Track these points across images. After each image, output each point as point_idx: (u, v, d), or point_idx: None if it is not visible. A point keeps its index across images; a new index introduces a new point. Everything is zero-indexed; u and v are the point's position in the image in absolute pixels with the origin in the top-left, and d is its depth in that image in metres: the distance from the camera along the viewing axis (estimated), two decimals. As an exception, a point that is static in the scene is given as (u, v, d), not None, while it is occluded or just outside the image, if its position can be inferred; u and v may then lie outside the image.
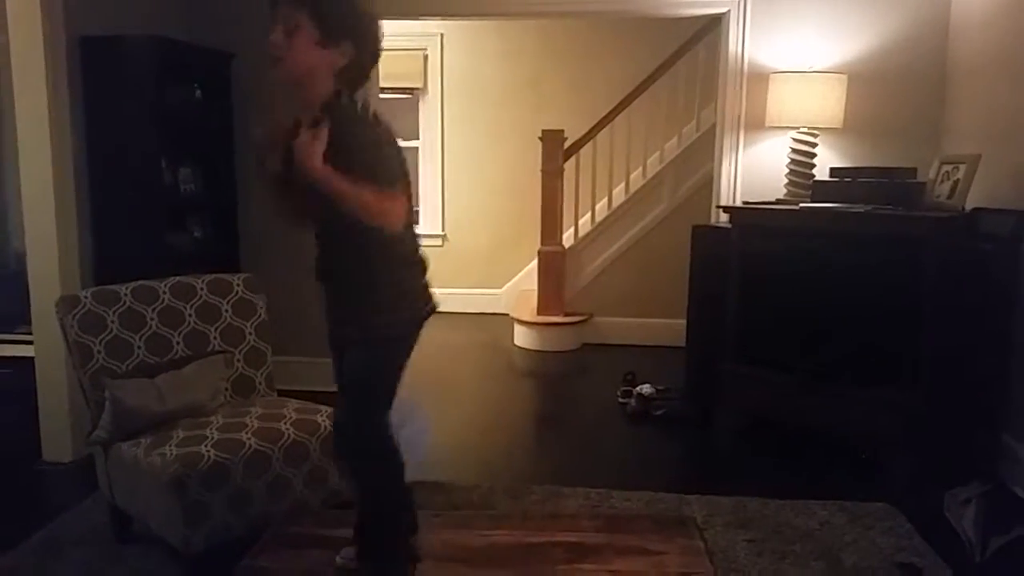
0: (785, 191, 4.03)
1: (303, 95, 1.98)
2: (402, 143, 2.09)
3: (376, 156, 1.93)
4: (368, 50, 1.99)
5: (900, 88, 4.12)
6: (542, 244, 5.84)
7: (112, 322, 2.76)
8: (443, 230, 6.98)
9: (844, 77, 4.00)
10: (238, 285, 3.08)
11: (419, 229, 2.20)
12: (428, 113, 6.94)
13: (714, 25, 5.00)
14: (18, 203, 3.51)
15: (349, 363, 2.10)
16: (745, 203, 4.09)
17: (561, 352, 5.62)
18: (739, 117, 4.26)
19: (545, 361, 5.48)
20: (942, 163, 3.61)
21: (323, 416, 2.76)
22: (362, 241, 1.98)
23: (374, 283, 2.04)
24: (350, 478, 2.16)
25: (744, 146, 4.28)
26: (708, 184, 4.72)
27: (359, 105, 2.01)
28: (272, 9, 1.94)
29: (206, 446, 2.47)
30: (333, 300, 2.14)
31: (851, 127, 4.08)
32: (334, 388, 2.17)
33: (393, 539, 2.16)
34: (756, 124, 4.20)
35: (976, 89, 3.79)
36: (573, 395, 4.88)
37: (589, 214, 6.01)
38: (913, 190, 3.55)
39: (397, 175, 1.96)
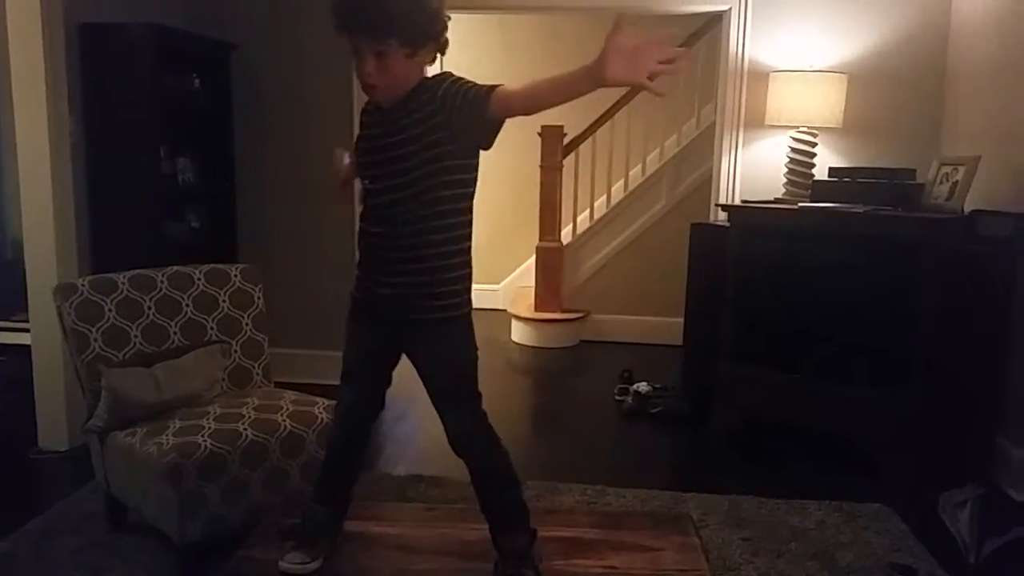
0: (784, 190, 4.03)
1: (395, 98, 1.97)
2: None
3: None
4: (444, 38, 2.00)
5: (900, 89, 4.12)
6: (540, 240, 5.83)
7: (109, 311, 2.75)
8: (441, 225, 6.95)
9: (844, 77, 4.00)
10: (236, 276, 3.07)
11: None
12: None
13: (715, 23, 5.00)
14: (16, 191, 3.49)
15: (433, 353, 2.07)
16: (744, 202, 4.09)
17: (558, 349, 5.62)
18: (739, 115, 4.26)
19: (542, 357, 5.48)
20: (941, 164, 3.62)
21: (320, 408, 2.76)
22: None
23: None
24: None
25: (743, 144, 4.28)
26: (707, 182, 4.72)
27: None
28: (348, 37, 1.89)
29: (203, 436, 2.47)
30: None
31: (851, 127, 4.08)
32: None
33: (525, 508, 2.19)
34: (756, 123, 4.20)
35: (976, 91, 3.79)
36: (570, 392, 4.88)
37: (588, 211, 6.01)
38: (912, 191, 3.56)
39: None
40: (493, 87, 1.87)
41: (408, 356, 2.12)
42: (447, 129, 1.90)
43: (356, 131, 2.17)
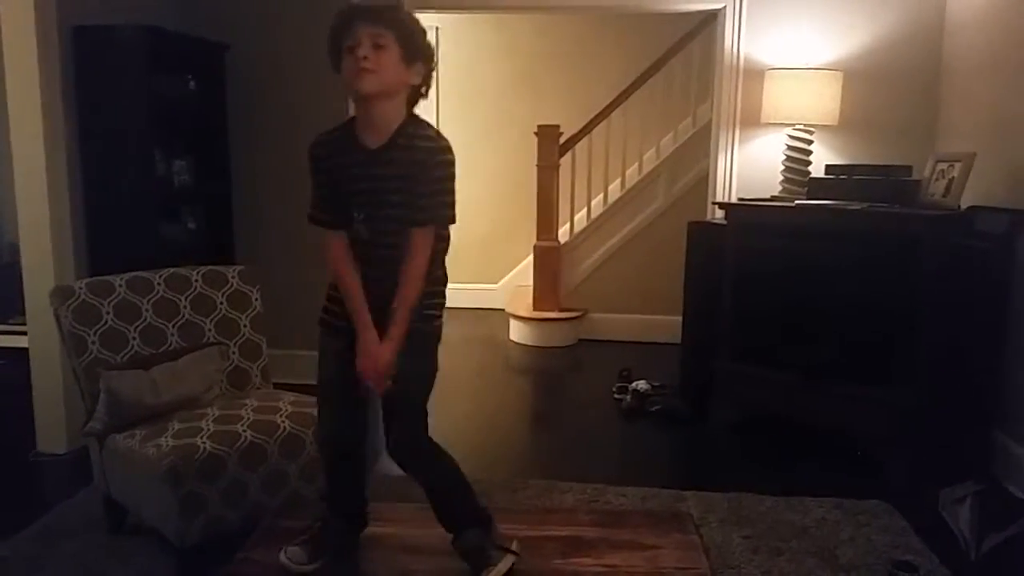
0: (781, 188, 4.03)
1: (381, 114, 2.07)
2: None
3: (445, 191, 2.05)
4: (431, 70, 2.11)
5: (896, 85, 4.12)
6: (538, 239, 5.83)
7: (107, 313, 2.74)
8: (438, 225, 6.95)
9: (840, 74, 4.00)
10: (233, 277, 3.06)
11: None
12: (423, 108, 6.86)
13: (710, 21, 5.00)
14: (11, 194, 3.49)
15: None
16: (741, 200, 4.10)
17: (557, 348, 5.61)
18: (735, 113, 4.26)
19: (541, 357, 5.48)
20: (937, 161, 3.62)
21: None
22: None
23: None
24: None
25: (740, 143, 4.28)
26: (704, 180, 4.72)
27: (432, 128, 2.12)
28: (352, 26, 2.00)
29: (202, 438, 2.46)
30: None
31: (847, 124, 4.09)
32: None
33: (474, 504, 2.24)
34: (752, 121, 4.21)
35: (972, 87, 3.79)
36: (569, 391, 4.88)
37: (585, 210, 6.01)
38: (908, 188, 3.56)
39: (450, 214, 2.07)
40: (443, 223, 2.07)
41: None
42: (406, 195, 2.04)
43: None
